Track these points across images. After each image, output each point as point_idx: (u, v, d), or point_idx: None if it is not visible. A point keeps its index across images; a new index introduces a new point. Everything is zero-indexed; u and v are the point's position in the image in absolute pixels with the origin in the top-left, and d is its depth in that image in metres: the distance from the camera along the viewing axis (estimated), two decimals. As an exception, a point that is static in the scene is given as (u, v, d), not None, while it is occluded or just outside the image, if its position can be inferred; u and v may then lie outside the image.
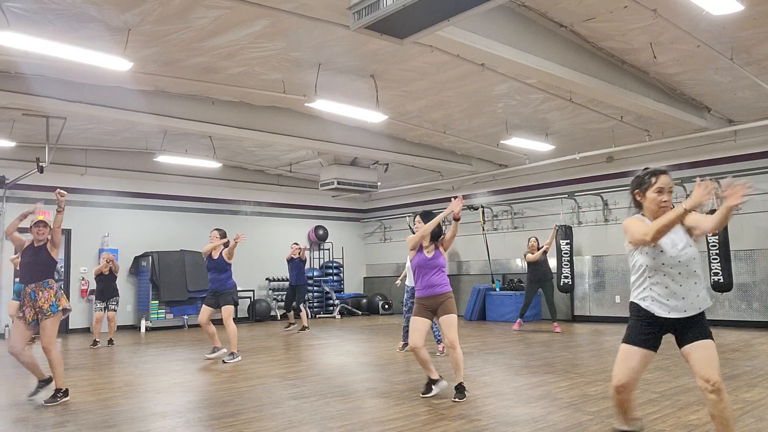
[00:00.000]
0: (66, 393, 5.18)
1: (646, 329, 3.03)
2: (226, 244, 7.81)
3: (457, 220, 5.08)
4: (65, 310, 5.28)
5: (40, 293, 5.15)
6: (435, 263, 5.10)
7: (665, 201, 3.03)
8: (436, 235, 5.21)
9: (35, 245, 5.28)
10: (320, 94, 7.81)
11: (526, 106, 9.25)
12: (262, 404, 4.94)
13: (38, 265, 5.22)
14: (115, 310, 9.88)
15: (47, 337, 5.10)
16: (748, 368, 6.09)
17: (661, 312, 2.98)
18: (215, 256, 7.76)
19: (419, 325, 5.03)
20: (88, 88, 7.98)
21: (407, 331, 8.12)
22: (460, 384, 4.96)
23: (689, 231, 3.05)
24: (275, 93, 8.31)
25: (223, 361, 7.43)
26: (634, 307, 3.09)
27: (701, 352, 2.89)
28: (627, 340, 3.07)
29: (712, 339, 2.95)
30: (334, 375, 6.36)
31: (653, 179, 3.07)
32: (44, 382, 5.31)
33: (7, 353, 5.43)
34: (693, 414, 4.24)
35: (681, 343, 3.00)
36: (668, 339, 3.07)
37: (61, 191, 5.24)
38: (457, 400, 4.88)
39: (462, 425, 4.11)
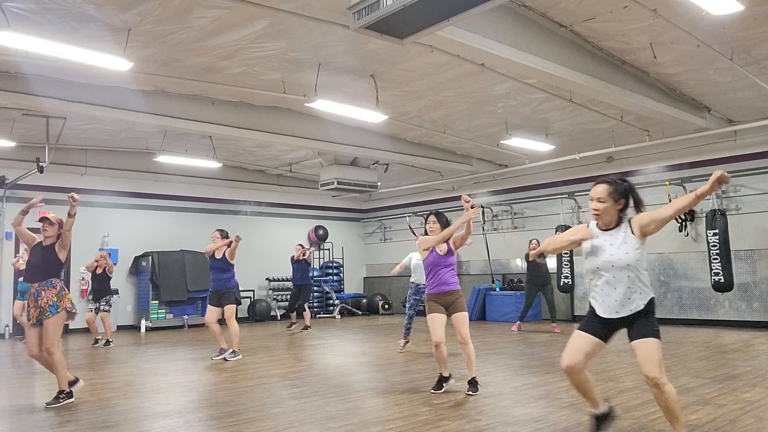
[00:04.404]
0: (69, 395, 5.14)
1: (594, 322, 3.37)
2: (228, 245, 7.85)
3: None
4: (69, 313, 5.20)
5: (43, 293, 5.12)
6: (448, 261, 5.26)
7: (594, 208, 3.34)
8: None
9: (43, 244, 5.28)
10: (320, 94, 7.81)
11: (526, 106, 9.25)
12: (262, 404, 4.94)
13: (44, 265, 5.20)
14: (107, 311, 9.75)
15: (50, 338, 5.06)
16: (748, 368, 6.09)
17: (598, 311, 3.34)
18: (218, 256, 7.82)
19: (439, 320, 5.16)
20: (88, 88, 7.98)
21: (409, 330, 8.12)
22: (473, 378, 5.11)
23: (643, 233, 3.26)
24: (275, 93, 8.31)
25: (225, 359, 7.53)
26: (588, 303, 3.48)
27: (643, 350, 3.18)
28: (578, 327, 3.44)
29: (657, 337, 3.21)
30: (334, 375, 6.36)
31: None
32: (71, 383, 5.26)
33: (13, 355, 5.41)
34: (693, 414, 4.24)
35: (629, 338, 3.29)
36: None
37: (75, 196, 5.20)
38: (471, 393, 5.02)
39: (462, 425, 4.11)
